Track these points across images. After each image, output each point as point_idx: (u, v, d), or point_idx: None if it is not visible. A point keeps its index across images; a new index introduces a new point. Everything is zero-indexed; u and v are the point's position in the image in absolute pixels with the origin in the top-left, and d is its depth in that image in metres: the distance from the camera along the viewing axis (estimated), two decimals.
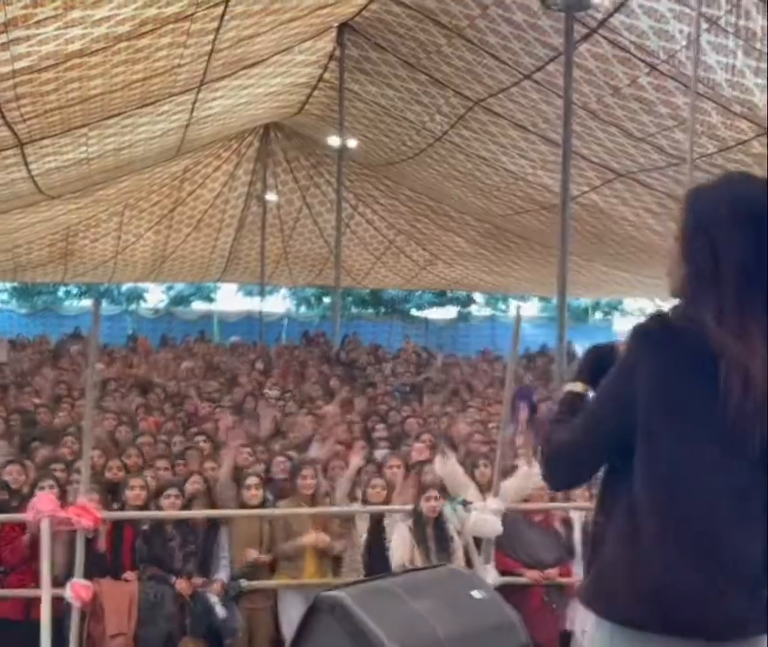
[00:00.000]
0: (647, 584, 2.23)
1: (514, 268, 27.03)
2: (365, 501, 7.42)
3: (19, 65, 10.48)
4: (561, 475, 2.49)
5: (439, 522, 6.89)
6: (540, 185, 18.64)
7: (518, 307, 7.16)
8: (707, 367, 2.18)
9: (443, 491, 7.26)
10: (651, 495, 2.23)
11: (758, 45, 10.60)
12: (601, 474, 2.44)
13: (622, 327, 37.20)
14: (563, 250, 11.52)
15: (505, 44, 14.00)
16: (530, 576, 7.36)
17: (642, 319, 2.41)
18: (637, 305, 36.62)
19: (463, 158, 19.13)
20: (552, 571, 7.38)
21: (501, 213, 21.86)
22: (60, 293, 34.54)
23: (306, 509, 7.26)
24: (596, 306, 36.98)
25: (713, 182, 2.40)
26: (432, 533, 6.85)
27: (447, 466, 7.56)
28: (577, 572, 7.33)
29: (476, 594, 4.22)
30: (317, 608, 4.11)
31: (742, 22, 10.44)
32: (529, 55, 13.98)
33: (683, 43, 11.39)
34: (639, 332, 2.32)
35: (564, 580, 7.43)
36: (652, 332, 2.31)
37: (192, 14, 11.46)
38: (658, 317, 2.34)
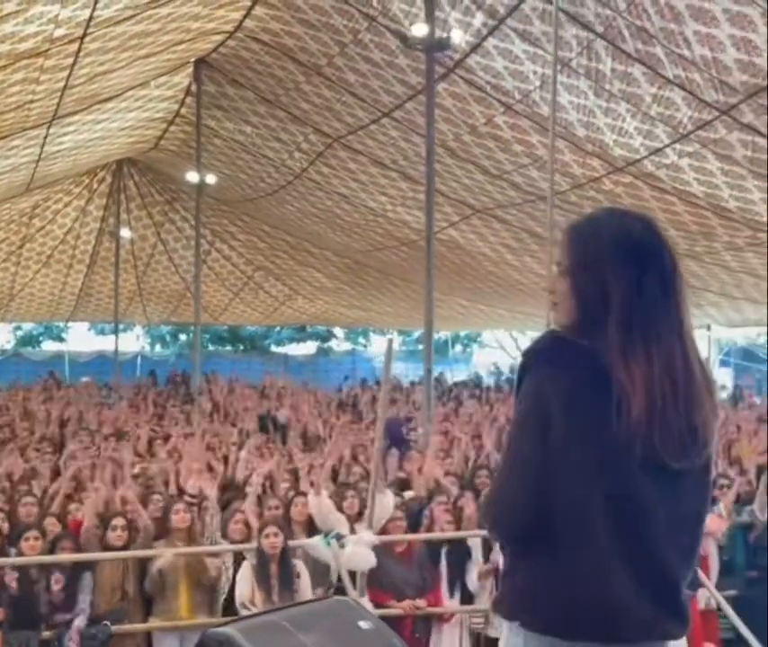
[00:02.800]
0: (565, 594, 2.32)
1: (375, 302, 27.32)
2: (225, 537, 7.38)
3: None
4: (504, 524, 2.47)
5: (284, 560, 6.80)
6: (400, 221, 18.94)
7: (389, 340, 7.24)
8: (604, 382, 2.28)
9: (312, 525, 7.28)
10: (564, 509, 2.31)
11: (607, 86, 11.13)
12: None
13: (482, 359, 38.21)
14: (428, 285, 11.73)
15: (364, 82, 14.21)
16: (402, 607, 7.40)
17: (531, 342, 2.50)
18: (494, 336, 37.65)
19: (323, 195, 19.25)
20: (421, 602, 7.43)
21: (361, 249, 22.08)
22: None
23: (171, 550, 7.12)
24: (456, 339, 37.79)
25: (594, 217, 2.50)
26: (276, 571, 6.75)
27: (317, 501, 7.54)
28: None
29: (363, 625, 4.24)
30: (205, 645, 4.06)
31: (593, 64, 10.95)
32: (387, 93, 14.23)
33: (537, 84, 11.83)
34: (538, 352, 2.40)
35: (433, 610, 7.51)
36: (551, 348, 2.39)
37: (47, 51, 11.20)
38: (553, 335, 2.43)
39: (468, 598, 7.62)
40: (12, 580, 6.57)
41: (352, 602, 4.39)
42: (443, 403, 18.08)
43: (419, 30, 11.60)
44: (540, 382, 2.34)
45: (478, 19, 11.53)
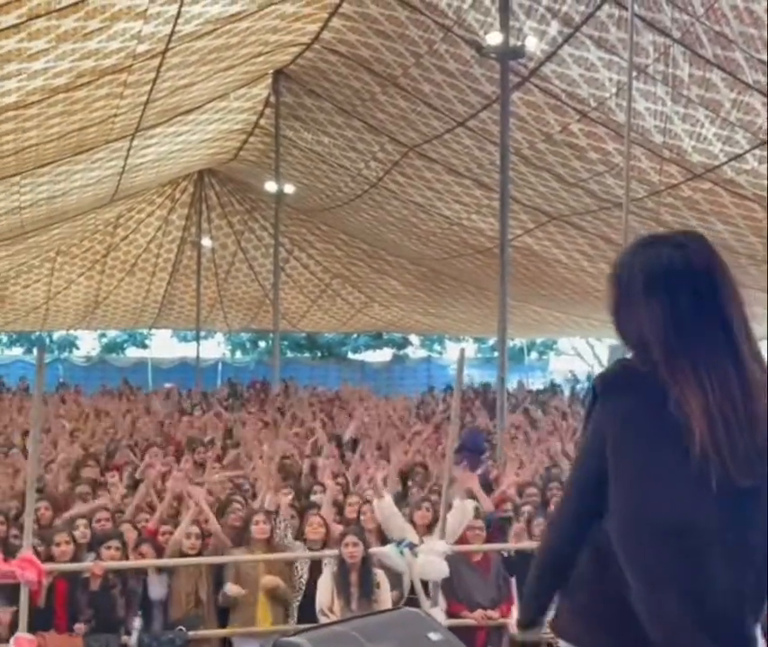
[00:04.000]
0: (615, 624, 2.35)
1: (450, 310, 27.32)
2: (303, 540, 7.44)
3: None
4: (550, 550, 2.57)
5: (365, 569, 6.81)
6: (475, 229, 18.94)
7: (461, 349, 7.26)
8: (662, 407, 2.29)
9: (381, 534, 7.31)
10: (618, 536, 2.33)
11: (685, 92, 10.99)
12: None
13: (558, 366, 37.83)
14: (502, 293, 11.70)
15: (439, 92, 14.28)
16: (474, 618, 7.41)
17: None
18: (571, 344, 37.27)
19: (398, 204, 19.36)
20: (494, 613, 7.43)
21: (436, 256, 22.12)
22: None
23: (253, 557, 7.25)
24: (532, 346, 37.50)
25: (628, 252, 2.56)
26: (356, 580, 6.77)
27: (385, 510, 7.56)
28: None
29: (432, 636, 4.28)
30: None
31: (670, 70, 10.83)
32: (462, 102, 14.27)
33: (613, 91, 11.75)
34: (605, 379, 2.46)
35: (505, 621, 7.49)
36: (616, 376, 2.45)
37: (130, 66, 11.50)
38: (621, 363, 2.48)
39: None
40: (96, 584, 6.78)
41: (422, 613, 4.44)
42: (521, 410, 17.97)
43: (494, 38, 11.60)
44: (603, 409, 2.39)
45: (554, 27, 11.50)
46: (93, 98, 12.16)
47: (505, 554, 7.79)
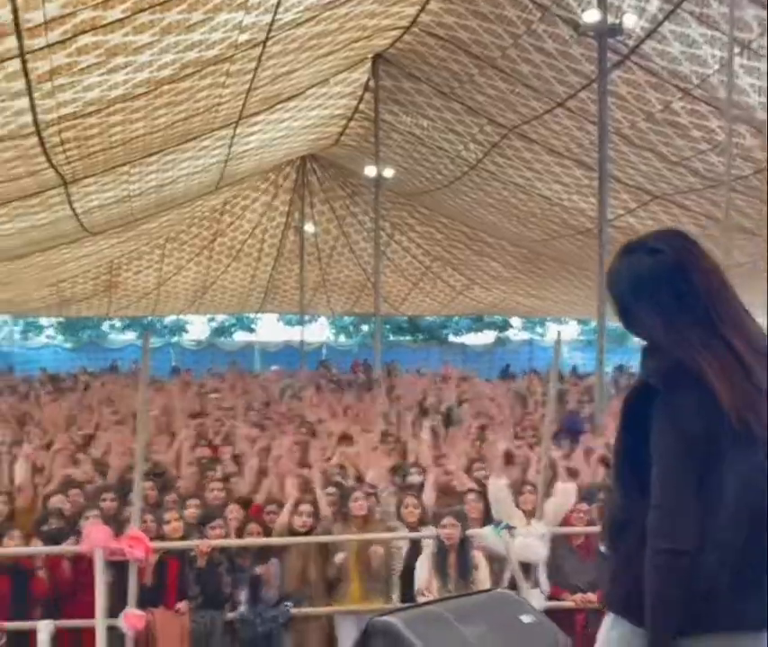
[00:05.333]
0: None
1: (551, 291, 27.08)
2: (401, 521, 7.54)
3: (64, 111, 10.81)
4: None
5: (463, 551, 6.84)
6: (575, 209, 18.74)
7: (558, 333, 7.26)
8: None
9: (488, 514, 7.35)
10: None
11: None
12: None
13: None
14: (601, 274, 11.59)
15: (538, 72, 14.18)
16: (573, 600, 7.41)
17: None
18: None
19: (498, 185, 19.29)
20: (593, 596, 7.41)
21: (537, 238, 21.97)
22: (105, 327, 35.03)
23: (353, 536, 7.39)
24: None
25: (615, 260, 2.77)
26: (454, 561, 6.80)
27: (499, 491, 7.59)
28: None
29: (524, 619, 4.32)
30: (370, 633, 4.25)
31: None
32: (561, 83, 14.14)
33: (716, 67, 11.49)
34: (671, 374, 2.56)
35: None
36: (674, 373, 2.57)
37: (231, 56, 11.76)
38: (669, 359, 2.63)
39: None
40: (202, 562, 7.02)
41: (515, 595, 4.49)
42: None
43: (591, 16, 11.47)
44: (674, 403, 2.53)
45: (654, 4, 11.30)
46: (197, 88, 12.47)
47: None
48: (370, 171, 19.17)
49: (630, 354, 33.24)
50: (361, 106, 19.19)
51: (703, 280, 2.59)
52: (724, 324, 2.55)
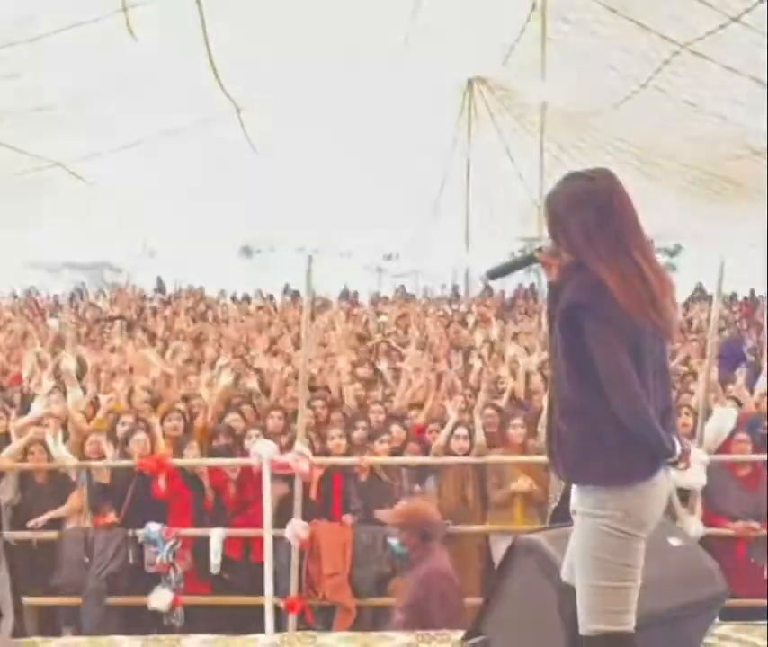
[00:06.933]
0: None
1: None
2: None
3: None
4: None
5: None
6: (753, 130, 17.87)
7: (721, 258, 7.12)
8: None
9: None
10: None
11: None
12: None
13: None
14: None
15: None
16: (734, 528, 7.33)
17: None
18: None
19: (670, 106, 18.60)
20: (756, 524, 7.31)
21: (710, 159, 21.11)
22: None
23: (513, 458, 7.53)
24: None
25: (556, 185, 3.60)
26: None
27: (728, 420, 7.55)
28: None
29: (673, 542, 4.40)
30: (516, 549, 4.48)
31: None
32: None
33: None
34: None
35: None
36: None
37: None
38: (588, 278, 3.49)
39: None
40: (364, 476, 7.33)
41: (665, 519, 4.56)
42: None
43: None
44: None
45: None
46: None
47: None
48: (538, 91, 18.83)
49: None
50: (528, 25, 18.80)
51: (621, 205, 3.42)
52: (631, 242, 3.38)
